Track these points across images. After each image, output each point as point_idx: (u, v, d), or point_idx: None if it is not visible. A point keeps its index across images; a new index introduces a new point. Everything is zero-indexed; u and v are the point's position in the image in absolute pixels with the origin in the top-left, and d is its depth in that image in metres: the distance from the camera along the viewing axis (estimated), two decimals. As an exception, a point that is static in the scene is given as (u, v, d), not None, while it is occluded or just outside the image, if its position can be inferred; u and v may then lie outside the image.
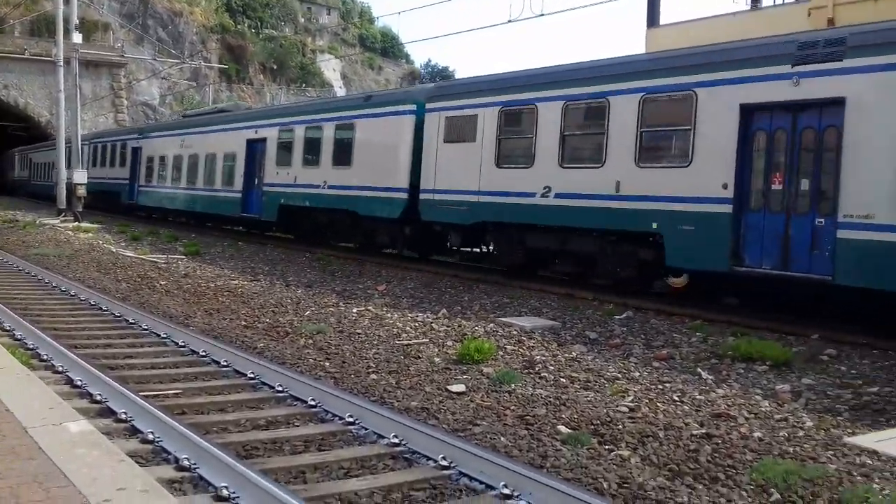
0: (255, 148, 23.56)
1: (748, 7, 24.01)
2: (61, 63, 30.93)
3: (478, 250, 17.65)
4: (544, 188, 13.81)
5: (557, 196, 13.57)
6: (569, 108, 13.69)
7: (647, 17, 23.38)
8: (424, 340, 9.59)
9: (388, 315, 11.19)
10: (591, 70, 13.68)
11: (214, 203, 25.97)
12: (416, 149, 16.91)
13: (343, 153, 19.16)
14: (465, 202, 15.40)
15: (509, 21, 17.70)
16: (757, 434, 6.27)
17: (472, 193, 15.24)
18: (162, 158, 30.52)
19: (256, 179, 23.38)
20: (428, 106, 16.60)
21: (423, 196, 16.50)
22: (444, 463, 5.21)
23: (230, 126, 25.65)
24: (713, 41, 13.44)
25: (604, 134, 12.91)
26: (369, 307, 11.81)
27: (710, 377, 8.10)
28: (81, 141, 37.27)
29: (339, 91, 74.53)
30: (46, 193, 44.35)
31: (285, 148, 21.78)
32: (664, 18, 23.43)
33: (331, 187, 19.48)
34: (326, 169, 19.73)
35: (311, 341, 9.42)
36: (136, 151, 33.08)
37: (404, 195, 17.00)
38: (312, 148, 20.53)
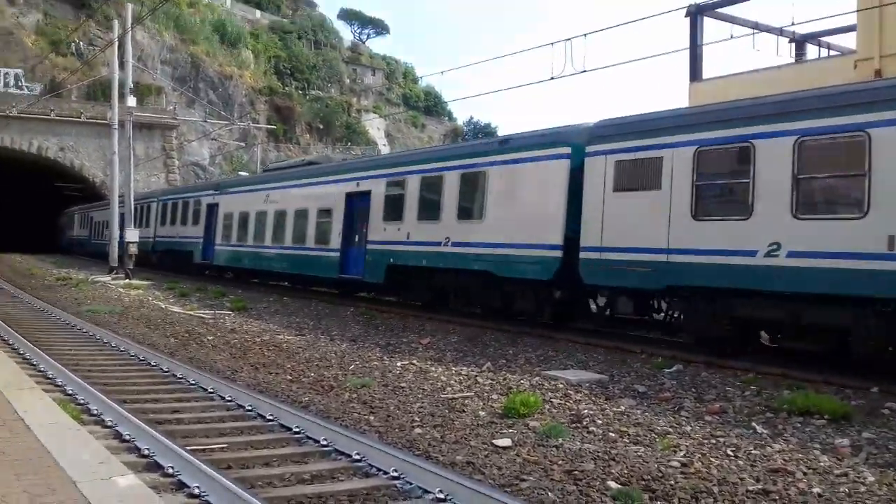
0: (355, 202, 21.63)
1: (792, 61, 24.00)
2: (116, 126, 32.05)
3: (648, 317, 14.54)
4: (770, 245, 11.08)
5: (791, 255, 10.82)
6: (804, 145, 10.92)
7: (690, 71, 23.53)
8: (469, 394, 9.50)
9: (433, 369, 11.13)
10: (845, 96, 10.92)
11: (307, 263, 23.83)
12: (571, 199, 14.52)
13: (471, 205, 17.10)
14: (647, 262, 12.74)
15: (551, 78, 17.82)
16: (816, 490, 6.03)
17: (657, 252, 12.57)
18: (243, 215, 28.61)
19: (357, 236, 21.34)
20: (589, 149, 14.05)
21: (584, 255, 13.85)
22: (491, 519, 5.10)
23: (326, 179, 23.94)
24: (757, 93, 13.22)
25: (865, 175, 10.09)
26: (413, 361, 11.77)
27: (766, 431, 7.84)
28: (150, 198, 38.23)
29: (384, 149, 75.82)
30: (87, 250, 45.51)
31: (395, 202, 19.66)
32: (707, 73, 23.54)
33: (455, 245, 17.23)
34: (449, 224, 17.49)
35: (355, 395, 9.40)
36: (212, 208, 31.55)
37: (558, 253, 14.57)
38: (430, 201, 18.46)
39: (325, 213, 23.01)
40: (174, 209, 36.17)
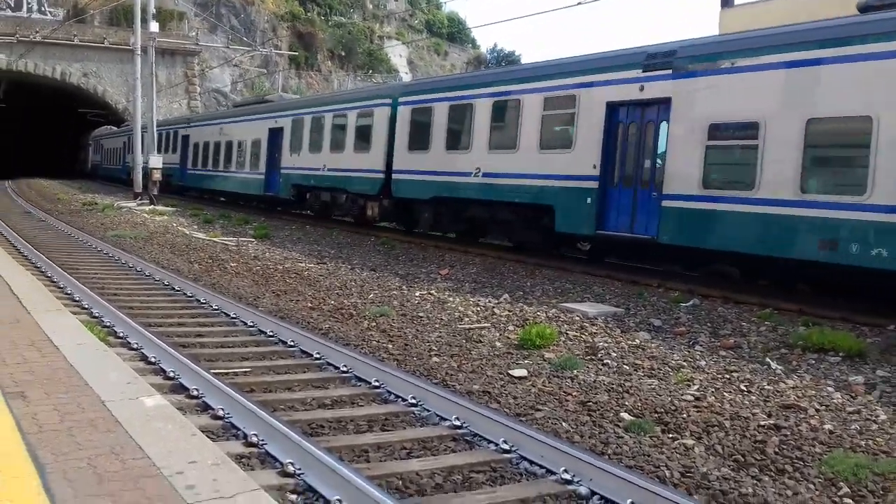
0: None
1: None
2: (139, 51, 31.86)
3: None
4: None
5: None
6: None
7: (721, -4, 22.69)
8: (486, 325, 9.62)
9: (451, 299, 11.25)
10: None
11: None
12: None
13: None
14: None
15: (578, 3, 17.38)
16: (828, 426, 6.10)
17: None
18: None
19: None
20: None
21: None
22: (505, 447, 5.25)
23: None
24: (793, 21, 12.94)
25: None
26: (432, 291, 11.89)
27: (780, 367, 7.89)
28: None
29: (405, 77, 74.77)
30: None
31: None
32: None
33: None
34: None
35: (374, 324, 9.55)
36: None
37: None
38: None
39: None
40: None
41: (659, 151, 13.06)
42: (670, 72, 12.63)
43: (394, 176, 19.48)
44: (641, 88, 13.10)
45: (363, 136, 21.10)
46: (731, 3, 22.51)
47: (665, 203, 12.53)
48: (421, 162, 18.46)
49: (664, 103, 12.75)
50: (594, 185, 13.76)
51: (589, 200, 13.77)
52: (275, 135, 26.52)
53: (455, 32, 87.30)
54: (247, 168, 28.88)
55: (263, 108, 29.07)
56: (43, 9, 53.62)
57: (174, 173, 37.10)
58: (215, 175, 32.29)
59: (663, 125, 12.86)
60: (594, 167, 13.75)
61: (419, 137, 18.65)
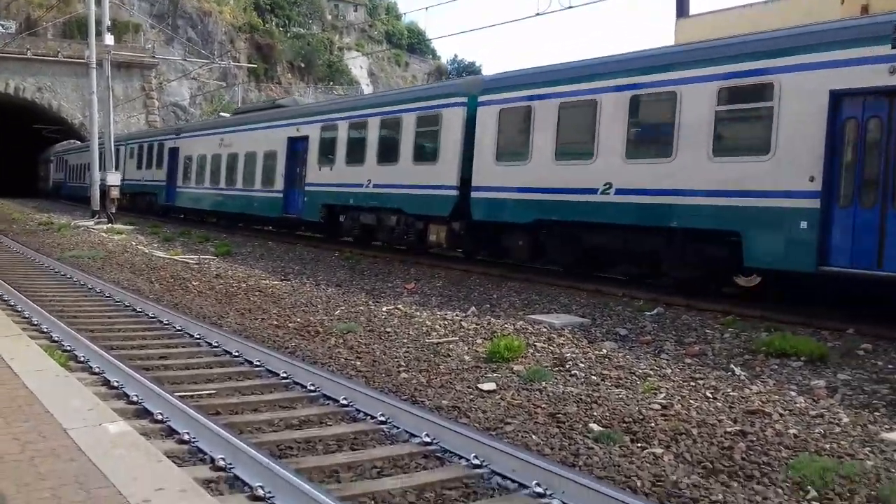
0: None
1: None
2: (94, 65, 31.30)
3: None
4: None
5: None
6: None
7: (677, 7, 23.14)
8: (454, 339, 9.61)
9: (418, 314, 11.23)
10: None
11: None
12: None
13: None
14: None
15: (537, 14, 17.53)
16: (792, 431, 6.20)
17: None
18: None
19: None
20: None
21: None
22: (476, 462, 5.23)
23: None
24: (745, 31, 13.15)
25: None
26: (399, 306, 11.86)
27: (744, 373, 8.02)
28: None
29: (367, 88, 74.77)
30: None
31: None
32: (693, 9, 23.19)
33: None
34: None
35: (341, 340, 9.49)
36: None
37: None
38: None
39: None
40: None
41: None
42: None
43: (473, 194, 15.86)
44: (893, 71, 9.74)
45: (426, 144, 17.59)
46: (687, 13, 23.01)
47: None
48: (516, 176, 14.95)
49: None
50: (813, 203, 10.40)
51: (804, 225, 10.44)
52: (296, 145, 22.75)
53: (415, 43, 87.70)
54: (258, 185, 24.68)
55: (279, 115, 24.82)
56: (-6, 21, 52.72)
57: (158, 192, 33.58)
58: (215, 194, 28.02)
59: None
60: (811, 179, 10.42)
61: (513, 145, 15.21)
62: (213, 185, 28.09)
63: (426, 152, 17.47)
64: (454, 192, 16.38)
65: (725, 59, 11.66)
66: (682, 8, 23.03)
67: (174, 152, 32.32)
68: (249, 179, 25.28)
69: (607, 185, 13.04)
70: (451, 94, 17.12)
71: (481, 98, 15.93)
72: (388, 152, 18.56)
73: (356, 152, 19.68)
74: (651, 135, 12.89)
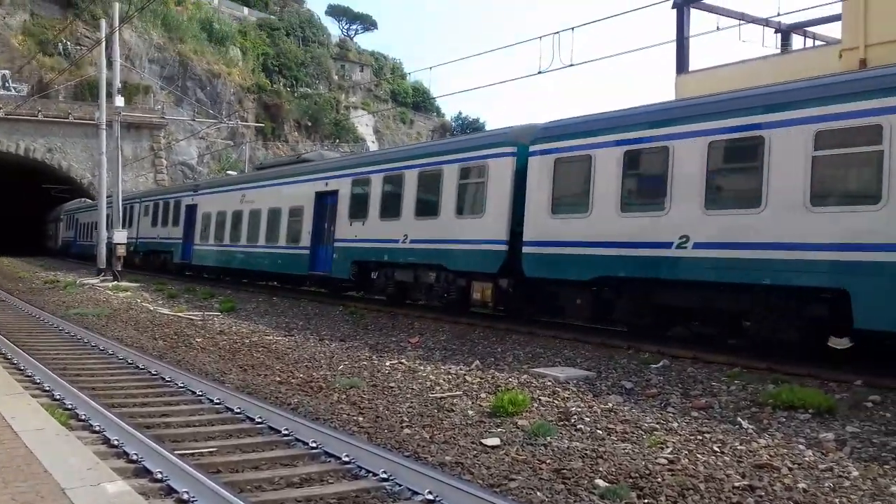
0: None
1: (778, 51, 24.15)
2: (104, 126, 31.87)
3: None
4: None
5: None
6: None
7: (677, 63, 23.60)
8: (458, 393, 9.53)
9: (421, 368, 11.17)
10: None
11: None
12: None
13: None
14: None
15: (539, 72, 17.84)
16: (801, 485, 6.09)
17: None
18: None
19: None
20: None
21: None
22: (479, 520, 5.14)
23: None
24: (744, 86, 13.27)
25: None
26: (402, 360, 11.80)
27: (751, 426, 7.91)
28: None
29: (373, 146, 75.76)
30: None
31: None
32: (693, 65, 23.63)
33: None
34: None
35: (344, 396, 9.42)
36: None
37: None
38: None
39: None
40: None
41: None
42: None
43: (525, 249, 14.79)
44: None
45: (470, 196, 16.61)
46: (687, 69, 23.43)
47: None
48: (575, 229, 13.89)
49: None
50: None
51: None
52: (324, 199, 21.94)
53: (420, 101, 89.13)
54: (282, 241, 23.80)
55: (305, 169, 24.29)
56: (7, 84, 53.73)
57: (174, 250, 32.88)
58: (235, 251, 27.06)
59: None
60: None
61: (572, 196, 14.24)
62: (234, 242, 27.28)
63: (471, 205, 16.63)
64: (503, 247, 15.41)
65: (819, 101, 10.56)
66: (681, 64, 23.49)
67: (191, 209, 31.71)
68: (273, 236, 24.47)
69: (683, 238, 11.98)
70: (498, 143, 16.21)
71: (533, 147, 15.04)
72: (428, 206, 17.73)
73: (391, 206, 18.91)
74: (734, 183, 11.89)
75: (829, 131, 10.40)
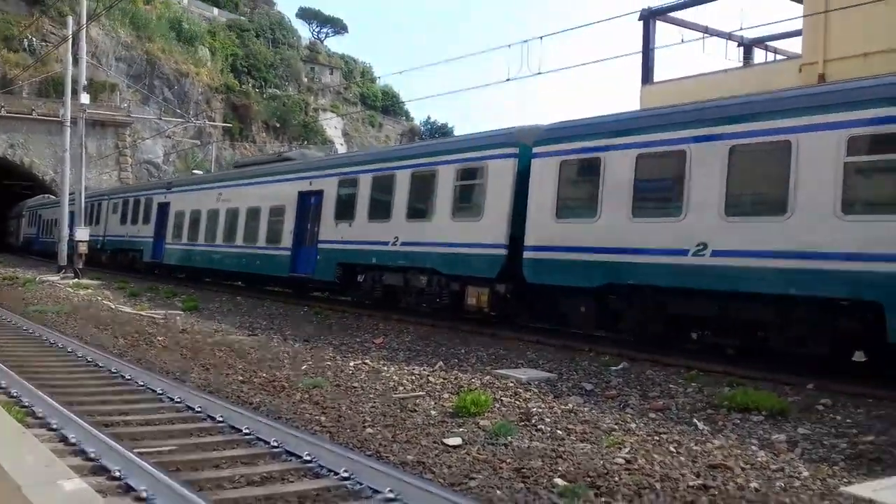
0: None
1: (740, 65, 24.65)
2: (68, 123, 31.40)
3: None
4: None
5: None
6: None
7: (642, 74, 24.00)
8: (421, 393, 9.58)
9: (385, 368, 11.19)
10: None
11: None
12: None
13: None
14: None
15: (507, 80, 17.98)
16: (753, 485, 6.24)
17: None
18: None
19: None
20: None
21: None
22: (438, 517, 5.20)
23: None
24: (706, 98, 13.48)
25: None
26: (366, 360, 11.81)
27: (707, 428, 8.07)
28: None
29: (341, 148, 75.51)
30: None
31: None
32: (657, 76, 24.05)
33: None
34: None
35: (307, 395, 9.41)
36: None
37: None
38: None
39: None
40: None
41: None
42: None
43: (526, 254, 14.19)
44: None
45: (468, 198, 15.99)
46: (652, 80, 23.84)
47: None
48: (582, 234, 13.29)
49: None
50: None
51: None
52: (307, 200, 21.22)
53: (389, 105, 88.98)
54: (261, 242, 22.90)
55: (287, 168, 23.56)
56: (-30, 81, 52.61)
57: (144, 248, 31.99)
58: (210, 251, 26.22)
59: None
60: None
61: (578, 200, 13.76)
62: (209, 241, 26.32)
63: (467, 207, 15.97)
64: (502, 251, 14.80)
65: (852, 105, 10.05)
66: (646, 75, 23.90)
67: (164, 207, 30.70)
68: (251, 236, 23.55)
69: (701, 246, 11.40)
70: (498, 144, 15.54)
71: (537, 149, 14.40)
72: (421, 208, 17.12)
73: (381, 208, 18.18)
74: (758, 189, 11.31)
75: (865, 136, 9.92)
